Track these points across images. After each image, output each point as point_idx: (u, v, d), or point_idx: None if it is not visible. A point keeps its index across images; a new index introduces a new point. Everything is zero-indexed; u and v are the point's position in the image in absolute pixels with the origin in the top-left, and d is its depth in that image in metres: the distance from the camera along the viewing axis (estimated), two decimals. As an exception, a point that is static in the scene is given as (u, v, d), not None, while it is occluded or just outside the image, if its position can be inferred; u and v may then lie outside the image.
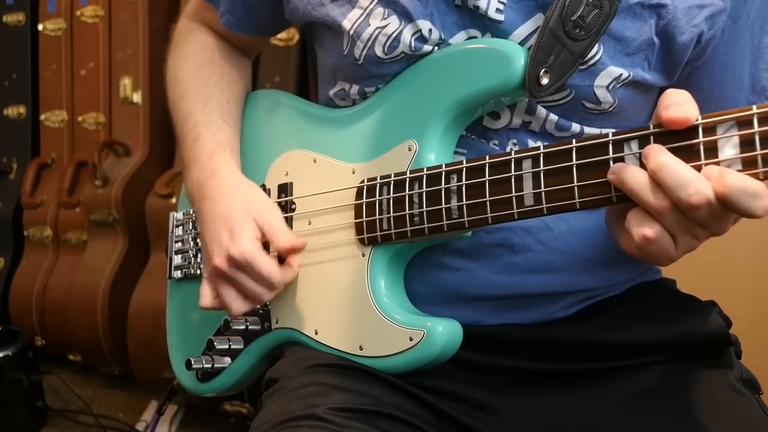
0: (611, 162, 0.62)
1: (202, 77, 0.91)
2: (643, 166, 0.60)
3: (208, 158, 0.85)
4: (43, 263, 2.37)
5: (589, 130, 0.75)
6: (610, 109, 0.74)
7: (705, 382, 0.75)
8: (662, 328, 0.78)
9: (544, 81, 0.69)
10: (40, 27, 2.45)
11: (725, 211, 0.57)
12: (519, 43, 0.72)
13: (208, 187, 0.83)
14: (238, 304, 0.79)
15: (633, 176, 0.59)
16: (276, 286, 0.78)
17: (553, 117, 0.74)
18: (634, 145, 0.61)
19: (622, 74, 0.73)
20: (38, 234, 2.40)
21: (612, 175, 0.61)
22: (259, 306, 0.82)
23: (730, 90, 0.78)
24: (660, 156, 0.58)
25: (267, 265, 0.77)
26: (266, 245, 0.81)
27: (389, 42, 0.75)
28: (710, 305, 0.82)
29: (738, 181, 0.55)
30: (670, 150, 0.59)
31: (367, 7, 0.76)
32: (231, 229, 0.78)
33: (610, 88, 0.73)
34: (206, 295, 0.81)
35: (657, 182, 0.58)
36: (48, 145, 2.46)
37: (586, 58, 0.71)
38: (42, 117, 2.46)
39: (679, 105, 0.58)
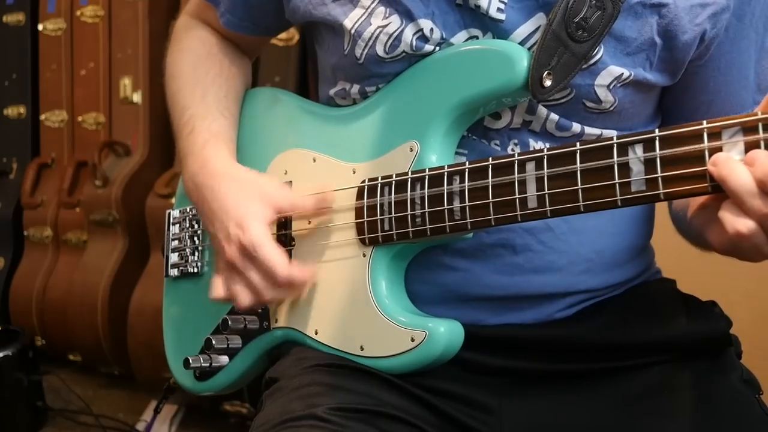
0: (616, 166, 0.62)
1: (200, 71, 0.91)
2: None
3: (201, 149, 0.84)
4: (43, 263, 2.37)
5: (589, 130, 0.75)
6: (611, 108, 0.74)
7: (705, 382, 0.76)
8: (663, 329, 0.78)
9: (547, 83, 0.69)
10: (40, 27, 2.44)
11: None
12: (520, 43, 0.72)
13: (204, 178, 0.81)
14: (244, 296, 0.76)
15: (738, 177, 0.57)
16: (280, 283, 0.75)
17: (554, 117, 0.74)
18: (639, 149, 0.62)
19: (622, 74, 0.73)
20: (38, 234, 2.39)
21: (713, 167, 0.58)
22: (261, 304, 0.80)
23: (736, 89, 0.78)
24: None
25: (272, 256, 0.74)
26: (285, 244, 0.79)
27: (390, 41, 0.75)
28: (711, 305, 0.82)
29: None
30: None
31: (369, 6, 0.76)
32: (238, 217, 0.76)
33: (611, 87, 0.73)
34: (216, 287, 0.79)
35: (764, 190, 0.56)
36: (48, 145, 2.46)
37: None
38: (42, 117, 2.45)
39: None
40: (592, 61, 0.72)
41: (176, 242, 0.96)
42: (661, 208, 0.86)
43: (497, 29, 0.73)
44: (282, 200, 0.78)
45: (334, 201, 0.78)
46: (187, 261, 0.94)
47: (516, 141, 0.75)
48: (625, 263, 0.81)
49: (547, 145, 0.72)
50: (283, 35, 1.93)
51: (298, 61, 1.97)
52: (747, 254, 0.61)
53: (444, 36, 0.74)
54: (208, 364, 0.87)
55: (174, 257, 0.96)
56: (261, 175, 0.83)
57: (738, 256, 0.63)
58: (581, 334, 0.77)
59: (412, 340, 0.72)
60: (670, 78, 0.76)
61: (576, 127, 0.75)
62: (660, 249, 0.89)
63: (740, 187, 0.57)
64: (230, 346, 0.86)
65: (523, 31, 0.72)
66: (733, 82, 0.78)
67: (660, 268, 0.89)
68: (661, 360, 0.77)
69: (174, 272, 0.95)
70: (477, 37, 0.74)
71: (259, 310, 0.85)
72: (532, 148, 0.75)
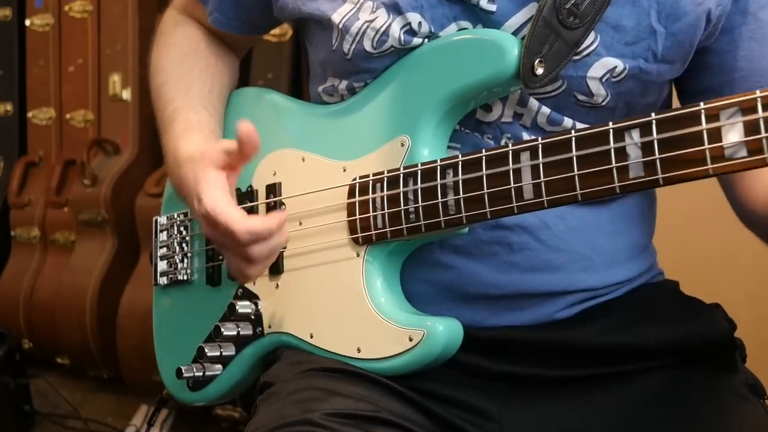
0: (612, 151, 0.61)
1: (186, 66, 0.90)
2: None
3: (176, 141, 0.83)
4: (30, 264, 2.36)
5: (581, 126, 0.73)
6: (603, 103, 0.73)
7: (709, 387, 0.75)
8: (666, 331, 0.77)
9: (539, 71, 0.68)
10: (27, 22, 2.44)
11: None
12: (512, 33, 0.71)
13: (177, 176, 0.81)
14: (240, 265, 0.74)
15: None
16: (243, 240, 0.70)
17: (545, 110, 0.73)
18: (635, 134, 0.61)
19: (617, 66, 0.71)
20: (25, 234, 2.38)
21: None
22: (259, 267, 0.75)
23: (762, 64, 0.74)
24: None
25: (226, 215, 0.70)
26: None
27: (378, 36, 0.74)
28: (714, 308, 0.81)
29: None
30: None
31: (358, 1, 0.75)
32: (196, 192, 0.74)
33: (604, 80, 0.72)
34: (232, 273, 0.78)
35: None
36: (35, 143, 2.46)
37: (580, 48, 0.70)
38: (29, 114, 2.45)
39: None
40: (586, 52, 0.71)
41: (164, 249, 0.95)
42: (662, 208, 0.85)
43: (488, 20, 0.72)
44: (216, 154, 0.75)
45: (254, 132, 0.72)
46: (176, 269, 0.93)
47: (509, 135, 0.74)
48: (626, 262, 0.80)
49: None
50: (276, 31, 1.91)
51: (291, 58, 1.96)
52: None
53: (432, 29, 0.73)
54: (201, 374, 0.85)
55: (163, 265, 0.94)
56: (210, 142, 0.80)
57: None
58: (583, 336, 0.76)
59: (411, 339, 0.71)
60: (680, 66, 0.75)
61: (567, 121, 0.74)
62: (662, 250, 0.88)
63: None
64: (223, 354, 0.84)
65: (515, 21, 0.71)
66: (758, 58, 0.74)
67: (662, 270, 0.87)
68: (664, 364, 0.76)
69: (163, 280, 0.94)
70: (467, 29, 0.73)
71: (252, 317, 0.83)
72: None
